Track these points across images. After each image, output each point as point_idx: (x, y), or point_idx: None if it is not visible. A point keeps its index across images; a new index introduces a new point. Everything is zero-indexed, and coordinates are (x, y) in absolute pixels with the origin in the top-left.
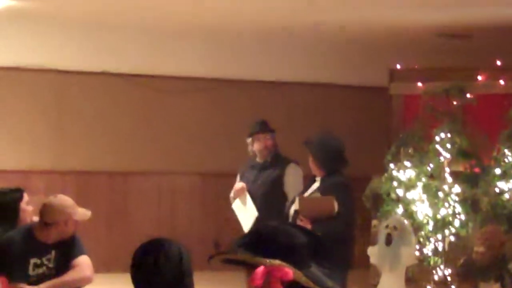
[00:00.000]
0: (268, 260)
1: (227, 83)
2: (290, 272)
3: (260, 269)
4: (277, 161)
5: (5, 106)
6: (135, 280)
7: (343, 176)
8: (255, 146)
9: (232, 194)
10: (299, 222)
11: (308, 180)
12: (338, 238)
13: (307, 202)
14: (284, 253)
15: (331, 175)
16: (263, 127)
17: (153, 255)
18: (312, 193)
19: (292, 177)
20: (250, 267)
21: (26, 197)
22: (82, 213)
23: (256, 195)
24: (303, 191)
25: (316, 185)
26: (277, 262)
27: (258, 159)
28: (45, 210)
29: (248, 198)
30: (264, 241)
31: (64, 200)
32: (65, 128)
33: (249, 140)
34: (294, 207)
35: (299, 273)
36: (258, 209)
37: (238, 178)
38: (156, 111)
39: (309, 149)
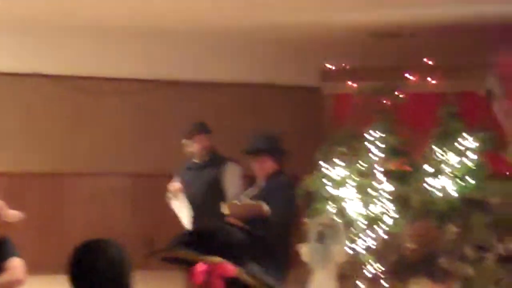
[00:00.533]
0: (208, 258)
1: (159, 84)
2: (231, 269)
3: (201, 266)
4: (215, 160)
5: None
6: (73, 281)
7: (286, 175)
8: (194, 147)
9: (170, 195)
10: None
11: (247, 182)
12: (272, 238)
13: (236, 208)
14: (223, 250)
15: (276, 175)
16: (201, 128)
17: (92, 255)
18: (253, 195)
19: (231, 176)
20: (190, 265)
21: None
22: (13, 214)
23: (196, 195)
24: (240, 192)
25: (257, 186)
26: (217, 259)
27: (195, 160)
28: None
29: (184, 198)
30: (202, 239)
31: None
32: None
33: (186, 141)
34: (224, 211)
35: (240, 270)
36: (199, 208)
37: (175, 180)
38: (88, 112)
39: (263, 146)
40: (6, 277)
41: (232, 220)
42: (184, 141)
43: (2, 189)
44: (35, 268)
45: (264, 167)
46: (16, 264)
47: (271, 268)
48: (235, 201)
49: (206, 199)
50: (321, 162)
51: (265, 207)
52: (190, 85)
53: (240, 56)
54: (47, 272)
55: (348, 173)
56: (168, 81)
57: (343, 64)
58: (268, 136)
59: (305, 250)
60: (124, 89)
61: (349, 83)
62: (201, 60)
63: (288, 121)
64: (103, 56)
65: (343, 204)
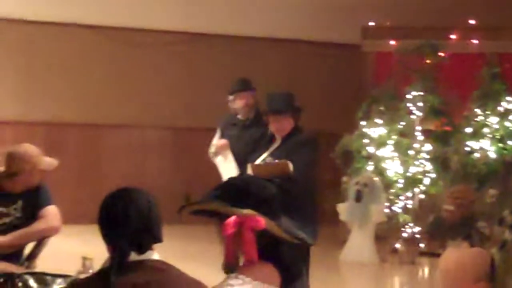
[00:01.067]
0: (240, 210)
1: (199, 37)
2: (262, 221)
3: (232, 218)
4: (258, 120)
5: None
6: (103, 230)
7: (304, 132)
8: (237, 104)
9: (213, 150)
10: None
11: (265, 140)
12: (300, 195)
13: (261, 169)
14: (256, 203)
15: (294, 132)
16: (245, 85)
17: (121, 204)
18: (272, 152)
19: None
20: (222, 217)
21: None
22: (48, 162)
23: (240, 153)
24: (261, 151)
25: (275, 145)
26: (249, 211)
27: (240, 117)
28: (9, 159)
29: (230, 155)
30: (235, 192)
31: (29, 149)
32: (34, 78)
33: (230, 97)
34: (249, 171)
35: (271, 223)
36: (242, 167)
37: (218, 134)
38: (127, 64)
39: (283, 106)
40: (41, 224)
41: None
42: (229, 97)
43: (41, 138)
44: (71, 217)
45: (285, 126)
46: (52, 212)
47: (302, 222)
48: (259, 162)
49: (250, 159)
50: (361, 121)
51: (290, 165)
52: (231, 39)
53: (282, 11)
54: (83, 221)
55: (387, 133)
56: (208, 34)
57: (385, 22)
58: (285, 95)
59: (343, 209)
60: (164, 41)
61: (391, 41)
62: (245, 15)
63: (328, 79)
64: (142, 7)
65: (382, 163)
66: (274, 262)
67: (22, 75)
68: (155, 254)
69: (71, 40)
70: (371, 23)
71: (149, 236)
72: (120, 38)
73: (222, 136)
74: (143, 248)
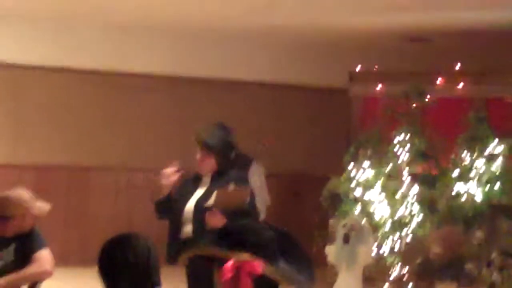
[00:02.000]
0: (237, 254)
1: (188, 81)
2: (259, 265)
3: (230, 263)
4: (240, 160)
5: None
6: (102, 275)
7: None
8: None
9: None
10: (209, 215)
11: (186, 180)
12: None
13: (224, 195)
14: (253, 248)
15: (226, 170)
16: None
17: (121, 250)
18: (208, 190)
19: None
20: (219, 262)
21: None
22: (40, 207)
23: None
24: (185, 191)
25: (205, 182)
26: (246, 255)
27: None
28: (2, 204)
29: None
30: (232, 236)
31: (22, 194)
32: (22, 122)
33: None
34: (209, 202)
35: (269, 267)
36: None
37: None
38: (115, 107)
39: (209, 144)
40: (34, 268)
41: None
42: None
43: (29, 181)
44: (60, 259)
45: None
46: (44, 256)
47: (298, 265)
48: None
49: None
50: (348, 165)
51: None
52: (219, 83)
53: (268, 56)
54: (71, 264)
55: (375, 176)
56: (197, 78)
57: (372, 67)
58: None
59: (331, 251)
60: (150, 84)
61: (377, 85)
62: (231, 59)
63: (315, 123)
64: (132, 52)
65: (369, 206)
66: None
67: (9, 119)
68: None
69: (59, 83)
70: (358, 68)
71: (148, 281)
72: (107, 81)
73: None
74: None
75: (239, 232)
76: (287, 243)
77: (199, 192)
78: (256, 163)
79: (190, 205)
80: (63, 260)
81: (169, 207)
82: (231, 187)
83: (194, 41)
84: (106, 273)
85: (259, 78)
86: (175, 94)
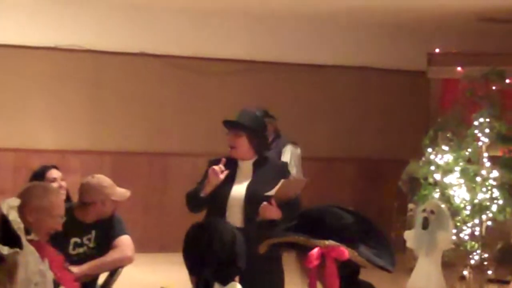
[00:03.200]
0: (322, 241)
1: (266, 65)
2: (345, 251)
3: (315, 250)
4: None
5: (44, 86)
6: (187, 260)
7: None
8: None
9: None
10: (266, 206)
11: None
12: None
13: (288, 185)
14: (335, 234)
15: (264, 156)
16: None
17: (206, 236)
18: (254, 180)
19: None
20: (302, 250)
21: (58, 172)
22: (121, 193)
23: None
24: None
25: (245, 169)
26: (331, 242)
27: None
28: (83, 190)
29: None
30: (313, 223)
31: (102, 180)
32: (103, 108)
33: None
34: (270, 192)
35: (354, 252)
36: None
37: None
38: (194, 92)
39: (244, 127)
40: (116, 254)
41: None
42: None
43: (108, 167)
44: (140, 246)
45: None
46: (125, 242)
47: (378, 249)
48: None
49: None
50: (427, 148)
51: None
52: (297, 67)
53: (347, 38)
54: (151, 250)
55: (454, 159)
56: (275, 62)
57: (451, 49)
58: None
59: (410, 237)
60: (231, 69)
61: (457, 68)
62: (308, 43)
63: (393, 105)
64: (210, 36)
65: (449, 190)
66: None
67: (90, 105)
68: (238, 285)
69: (139, 69)
70: (437, 50)
71: (233, 267)
72: (188, 67)
73: None
74: (226, 279)
75: (320, 217)
76: (366, 227)
77: (241, 179)
78: (293, 146)
79: (238, 192)
80: (143, 246)
81: (201, 205)
82: (291, 177)
83: (273, 25)
84: (190, 258)
85: (337, 61)
86: (254, 79)
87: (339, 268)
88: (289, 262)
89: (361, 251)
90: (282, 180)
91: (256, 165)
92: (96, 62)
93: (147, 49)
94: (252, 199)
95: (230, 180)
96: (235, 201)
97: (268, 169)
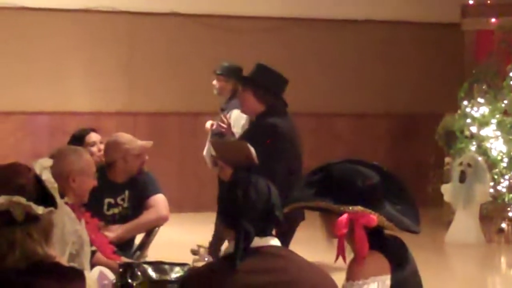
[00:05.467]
0: (350, 207)
1: (298, 22)
2: (374, 218)
3: (344, 217)
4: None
5: (77, 49)
6: (224, 214)
7: (276, 116)
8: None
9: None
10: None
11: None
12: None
13: (221, 146)
14: (363, 196)
15: (267, 113)
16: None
17: (242, 187)
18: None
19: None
20: (329, 214)
21: (97, 135)
22: (140, 145)
23: None
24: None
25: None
26: (360, 208)
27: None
28: (104, 150)
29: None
30: (341, 186)
31: (120, 136)
32: (136, 69)
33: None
34: (211, 153)
35: (382, 218)
36: None
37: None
38: (226, 51)
39: (250, 80)
40: (151, 214)
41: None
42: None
43: (142, 128)
44: (176, 205)
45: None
46: (160, 201)
47: (403, 206)
48: (219, 141)
49: None
50: (462, 101)
51: (251, 148)
52: (328, 23)
53: None
54: (187, 209)
55: (490, 112)
56: (305, 18)
57: (485, 0)
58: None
59: (447, 190)
60: (262, 27)
61: (491, 19)
62: None
63: (428, 59)
64: None
65: (485, 143)
66: (380, 250)
67: (123, 67)
68: (276, 240)
69: (171, 30)
70: (471, 1)
71: (271, 218)
72: (218, 25)
73: None
74: (266, 231)
75: (347, 180)
76: (390, 183)
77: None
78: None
79: None
80: (178, 205)
81: None
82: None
83: None
84: (228, 212)
85: (369, 15)
86: (285, 36)
87: (367, 230)
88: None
89: (388, 212)
90: (211, 142)
91: (254, 121)
92: (129, 23)
93: (179, 9)
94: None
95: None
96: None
97: (254, 126)
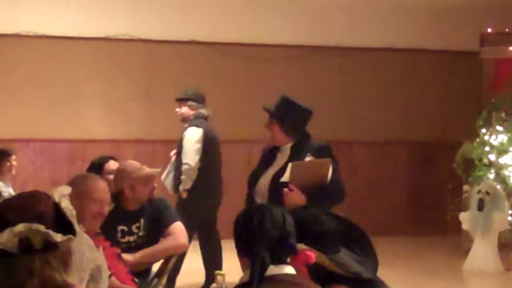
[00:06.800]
0: (297, 245)
1: (316, 50)
2: (312, 255)
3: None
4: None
5: (97, 77)
6: (241, 243)
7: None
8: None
9: None
10: (286, 193)
11: (262, 154)
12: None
13: (300, 168)
14: (314, 238)
15: (305, 140)
16: (187, 96)
17: (257, 216)
18: (284, 164)
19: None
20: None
21: (116, 163)
22: (147, 174)
23: None
24: (260, 166)
25: (283, 154)
26: (301, 246)
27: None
28: (113, 179)
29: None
30: (301, 227)
31: (127, 165)
32: (155, 97)
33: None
34: (283, 178)
35: (323, 257)
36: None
37: None
38: (245, 79)
39: (277, 113)
40: (170, 242)
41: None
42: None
43: (160, 155)
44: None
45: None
46: (178, 229)
47: (363, 253)
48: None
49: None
50: (481, 129)
51: (331, 167)
52: (346, 51)
53: (397, 20)
54: None
55: (509, 140)
56: (324, 46)
57: (503, 28)
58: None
59: (465, 218)
60: (282, 55)
61: (509, 47)
62: (358, 26)
63: (446, 87)
64: (260, 23)
65: (504, 171)
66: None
67: (142, 94)
68: (290, 268)
69: (190, 57)
70: (489, 30)
71: (286, 246)
72: (238, 53)
73: None
74: (281, 258)
75: (303, 223)
76: (353, 233)
77: (275, 166)
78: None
79: (265, 179)
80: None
81: None
82: (308, 158)
83: (321, 9)
84: (243, 241)
85: (387, 43)
86: (303, 64)
87: (312, 272)
88: None
89: (338, 256)
90: (289, 164)
91: (293, 149)
92: (148, 51)
93: (198, 37)
94: (274, 186)
95: (264, 167)
96: (260, 188)
97: (305, 151)
